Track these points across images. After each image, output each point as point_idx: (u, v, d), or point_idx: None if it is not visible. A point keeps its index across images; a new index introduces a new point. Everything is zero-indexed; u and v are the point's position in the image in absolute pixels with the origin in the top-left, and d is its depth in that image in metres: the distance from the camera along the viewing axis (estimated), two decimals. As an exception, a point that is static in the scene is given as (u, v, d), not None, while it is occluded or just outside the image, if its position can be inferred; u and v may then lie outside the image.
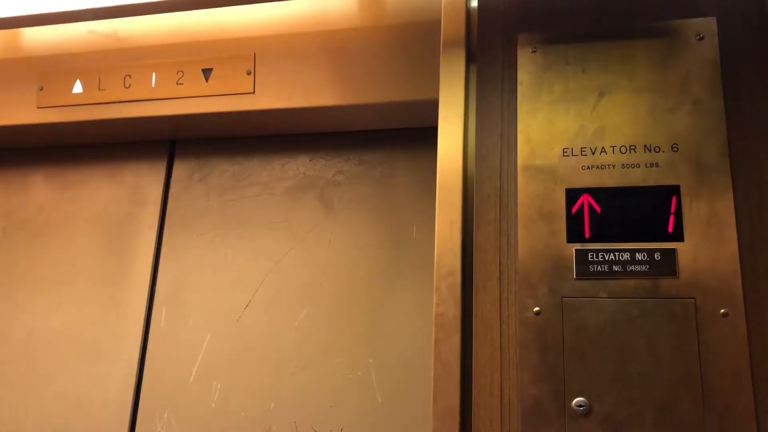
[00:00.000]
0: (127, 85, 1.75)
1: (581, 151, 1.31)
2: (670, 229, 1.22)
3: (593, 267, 1.25)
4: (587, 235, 1.26)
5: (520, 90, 1.39)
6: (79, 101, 1.77)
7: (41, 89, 1.80)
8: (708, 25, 1.33)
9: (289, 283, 1.68)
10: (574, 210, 1.28)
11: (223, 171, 1.82)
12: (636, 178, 1.27)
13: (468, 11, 1.50)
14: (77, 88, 1.78)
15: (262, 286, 1.69)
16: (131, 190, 1.86)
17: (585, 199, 1.29)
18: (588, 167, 1.30)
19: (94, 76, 1.77)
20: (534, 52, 1.40)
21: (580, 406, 1.16)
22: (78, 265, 1.82)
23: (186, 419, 1.63)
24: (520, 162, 1.35)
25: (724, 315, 1.16)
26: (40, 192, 1.93)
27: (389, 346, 1.58)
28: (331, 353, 1.60)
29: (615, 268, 1.23)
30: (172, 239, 1.79)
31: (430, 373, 1.31)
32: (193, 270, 1.75)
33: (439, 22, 1.49)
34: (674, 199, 1.24)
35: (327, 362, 1.60)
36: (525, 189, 1.33)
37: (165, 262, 1.77)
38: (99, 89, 1.76)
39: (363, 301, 1.62)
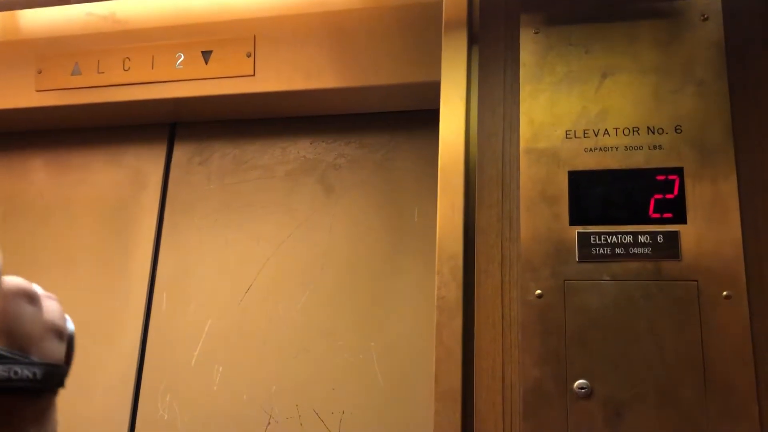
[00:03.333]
0: (126, 68, 1.73)
1: (584, 134, 1.31)
2: (673, 211, 1.22)
3: (596, 250, 1.24)
4: (590, 217, 1.26)
5: (523, 71, 1.38)
6: (78, 84, 1.76)
7: (40, 72, 1.79)
8: (713, 5, 1.32)
9: (290, 267, 1.68)
10: (576, 193, 1.28)
11: (223, 154, 1.81)
12: (639, 160, 1.26)
13: (470, -8, 1.48)
14: (76, 71, 1.76)
15: (264, 269, 1.69)
16: (131, 173, 1.86)
17: (587, 181, 1.28)
18: (591, 149, 1.30)
19: (93, 58, 1.76)
20: (536, 33, 1.39)
21: (582, 388, 1.16)
22: (79, 249, 1.82)
23: (188, 402, 1.63)
24: (522, 144, 1.34)
25: (727, 297, 1.16)
26: (40, 176, 1.92)
27: (391, 329, 1.58)
28: (332, 336, 1.60)
29: (617, 250, 1.23)
30: (173, 223, 1.79)
31: (431, 356, 1.31)
32: (193, 254, 1.74)
33: (440, 3, 1.47)
34: (677, 182, 1.23)
35: (328, 345, 1.60)
36: (527, 172, 1.32)
37: (166, 246, 1.77)
38: (98, 72, 1.75)
39: (364, 284, 1.62)
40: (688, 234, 1.20)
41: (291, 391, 1.59)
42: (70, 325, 0.56)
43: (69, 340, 0.55)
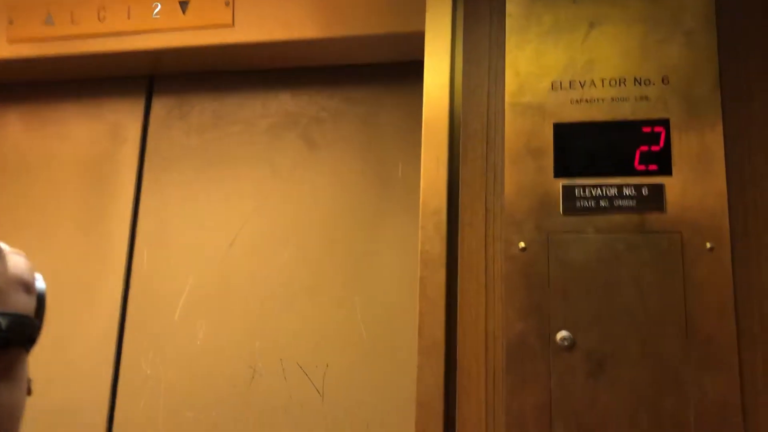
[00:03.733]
0: (101, 18, 1.68)
1: (570, 85, 1.29)
2: (659, 163, 1.21)
3: (580, 203, 1.23)
4: (575, 170, 1.25)
5: (509, 22, 1.35)
6: (51, 35, 1.70)
7: (11, 22, 1.73)
8: (703, -48, 1.29)
9: (272, 222, 1.66)
10: (561, 145, 1.26)
11: (203, 108, 1.77)
12: (625, 111, 1.25)
13: (455, -61, 1.44)
14: (49, 20, 1.70)
15: (246, 225, 1.67)
16: (109, 127, 1.81)
17: (573, 133, 1.27)
18: (577, 101, 1.28)
19: (66, 8, 1.70)
20: (523, -19, 1.35)
21: (565, 340, 1.17)
22: (57, 205, 1.79)
23: (171, 359, 1.63)
24: (507, 97, 1.32)
25: (710, 249, 1.16)
26: (15, 130, 1.87)
27: (374, 283, 1.57)
28: (316, 291, 1.60)
29: (602, 203, 1.22)
30: (153, 178, 1.75)
31: (415, 309, 1.31)
32: (174, 209, 1.72)
33: (425, -50, 1.43)
34: (663, 134, 1.22)
35: (312, 300, 1.59)
36: (513, 124, 1.30)
37: (146, 201, 1.74)
38: (72, 22, 1.69)
39: (348, 239, 1.61)
40: (673, 186, 1.20)
41: (274, 346, 1.59)
42: (40, 283, 0.55)
43: (39, 297, 0.54)
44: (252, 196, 1.68)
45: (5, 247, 0.52)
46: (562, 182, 1.25)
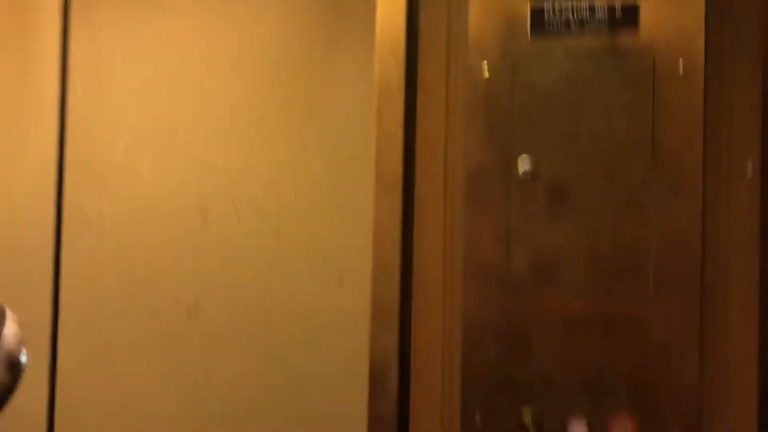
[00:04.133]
0: None
1: None
2: (635, -22, 1.12)
3: (550, 26, 1.16)
4: (545, -13, 1.15)
5: None
6: None
7: None
8: None
9: (215, 51, 1.53)
10: (532, -41, 1.16)
11: None
12: None
13: None
14: None
15: (187, 51, 1.54)
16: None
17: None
18: None
19: None
20: None
21: (526, 169, 1.12)
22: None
23: (117, 199, 1.55)
24: None
25: (683, 74, 1.10)
26: None
27: (329, 115, 1.49)
28: (267, 126, 1.51)
29: (572, 24, 1.14)
30: (81, 4, 1.59)
31: (372, 143, 1.26)
32: (107, 39, 1.57)
33: None
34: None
35: (263, 135, 1.51)
36: (479, -62, 1.19)
37: (75, 30, 1.59)
38: None
39: (299, 68, 1.50)
40: (648, 4, 1.12)
41: (226, 185, 1.52)
42: (24, 360, 0.56)
43: (17, 374, 0.56)
44: (192, 19, 1.54)
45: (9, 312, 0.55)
46: (531, 2, 1.16)
